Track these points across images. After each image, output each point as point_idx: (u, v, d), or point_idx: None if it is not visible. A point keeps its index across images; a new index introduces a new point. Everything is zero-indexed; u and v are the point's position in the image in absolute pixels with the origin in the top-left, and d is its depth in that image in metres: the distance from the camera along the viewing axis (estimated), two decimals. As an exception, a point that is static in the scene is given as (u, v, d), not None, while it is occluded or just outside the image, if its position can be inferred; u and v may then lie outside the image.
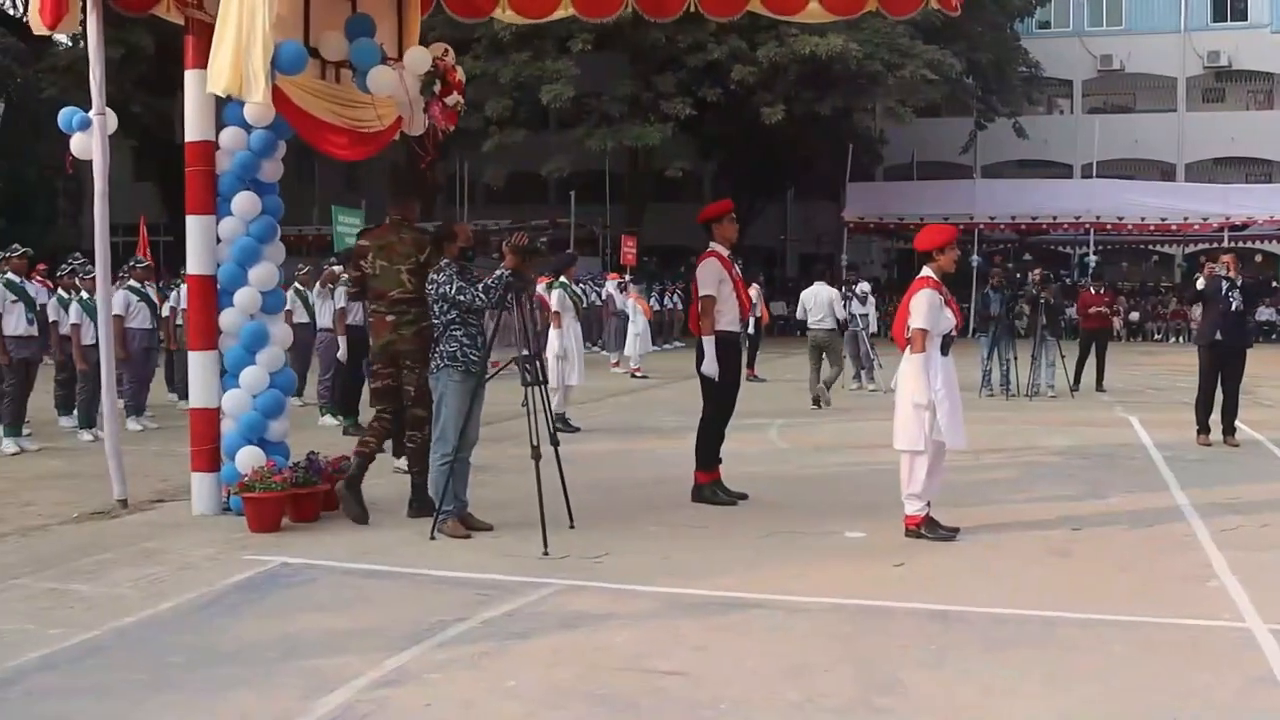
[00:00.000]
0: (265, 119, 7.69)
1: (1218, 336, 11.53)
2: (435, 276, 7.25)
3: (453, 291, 7.13)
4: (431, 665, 4.87)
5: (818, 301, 15.97)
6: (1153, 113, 44.81)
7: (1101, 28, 45.21)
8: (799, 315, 16.71)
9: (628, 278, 23.15)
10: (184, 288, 14.33)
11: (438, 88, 7.85)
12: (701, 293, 8.19)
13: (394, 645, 5.10)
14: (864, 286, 18.24)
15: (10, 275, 12.10)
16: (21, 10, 38.64)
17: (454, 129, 8.36)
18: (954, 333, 7.30)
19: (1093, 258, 35.08)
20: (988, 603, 5.87)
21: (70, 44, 41.76)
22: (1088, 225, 35.51)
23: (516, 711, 4.36)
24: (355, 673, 4.75)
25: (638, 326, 20.57)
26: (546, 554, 6.74)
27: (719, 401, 8.38)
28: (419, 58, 7.80)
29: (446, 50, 8.14)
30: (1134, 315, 36.59)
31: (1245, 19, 43.70)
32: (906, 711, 4.38)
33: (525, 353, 7.23)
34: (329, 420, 13.25)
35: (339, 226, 17.35)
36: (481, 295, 7.11)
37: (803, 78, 29.64)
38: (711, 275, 8.19)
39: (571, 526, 7.32)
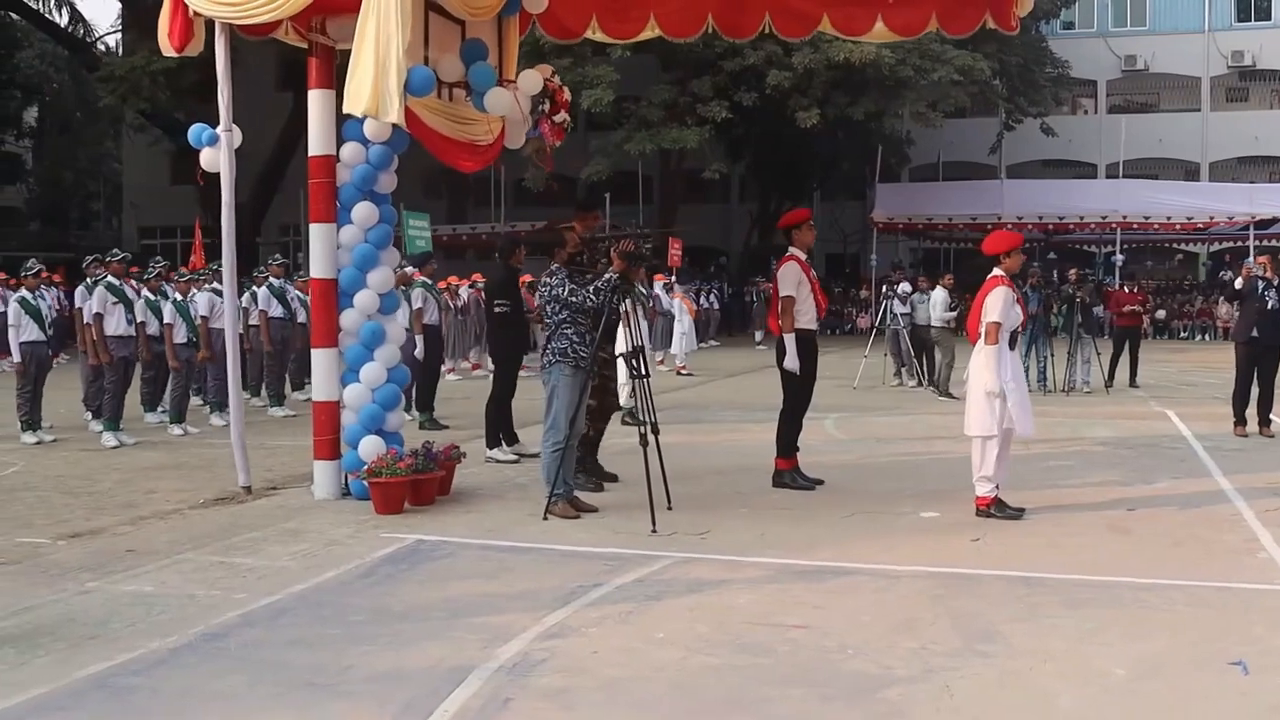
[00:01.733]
0: (383, 135, 8.42)
1: (1254, 334, 12.19)
2: (547, 280, 7.97)
3: (565, 293, 7.86)
4: (586, 621, 5.58)
5: (933, 302, 17.27)
6: (1177, 112, 45.23)
7: (1126, 28, 45.61)
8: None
9: (673, 278, 23.83)
10: (260, 291, 15.12)
11: (546, 107, 8.58)
12: (782, 293, 8.88)
13: (547, 606, 5.81)
14: (904, 287, 18.90)
15: (110, 278, 12.85)
16: (67, 20, 39.53)
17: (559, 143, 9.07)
18: (1020, 328, 8.00)
19: (1119, 256, 35.59)
20: (1062, 570, 6.56)
21: (108, 49, 42.78)
22: (1115, 224, 36.02)
23: (672, 656, 5.07)
24: (521, 628, 5.45)
25: (683, 326, 21.27)
26: (655, 531, 7.44)
27: (798, 394, 9.07)
28: (531, 79, 8.54)
29: (554, 72, 8.86)
30: (1160, 313, 37.04)
31: (1269, 18, 44.04)
32: (1008, 655, 5.08)
33: (631, 348, 7.95)
34: (403, 416, 13.93)
35: (409, 230, 18.08)
36: (592, 297, 7.82)
37: (835, 82, 30.27)
38: (791, 277, 8.89)
39: (669, 508, 8.00)
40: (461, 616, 5.71)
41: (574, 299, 7.85)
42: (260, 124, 25.72)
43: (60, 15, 39.87)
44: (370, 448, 8.49)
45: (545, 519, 7.91)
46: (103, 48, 43.43)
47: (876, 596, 6.06)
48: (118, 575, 6.60)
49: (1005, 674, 4.84)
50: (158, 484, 9.84)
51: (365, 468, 8.29)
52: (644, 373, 7.93)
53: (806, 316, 8.93)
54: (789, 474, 9.08)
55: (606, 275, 7.83)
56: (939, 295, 17.17)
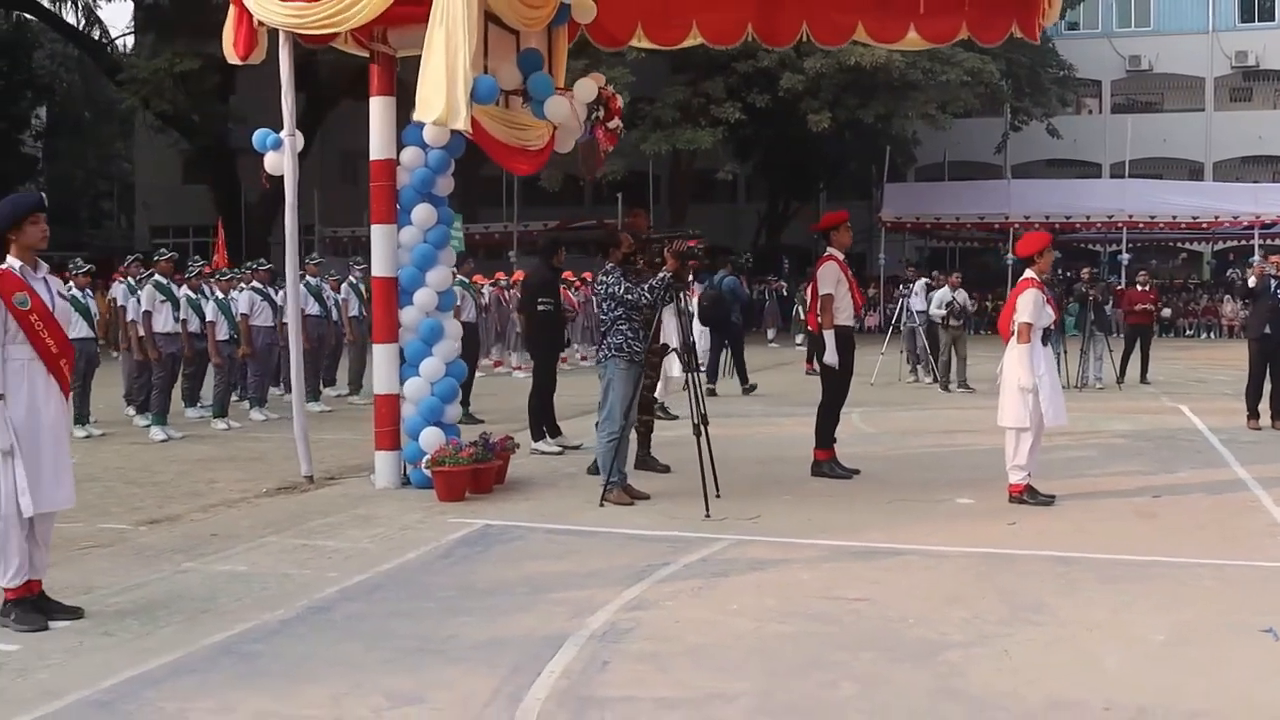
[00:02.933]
0: (442, 140, 8.86)
1: (1266, 330, 12.66)
2: (604, 278, 8.43)
3: (621, 291, 8.31)
4: (662, 596, 6.02)
5: (941, 300, 17.77)
6: (1181, 112, 45.65)
7: (1130, 29, 46.04)
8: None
9: (691, 278, 24.24)
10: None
11: (600, 113, 9.03)
12: (821, 292, 9.32)
13: (622, 582, 6.25)
14: (922, 283, 19.33)
15: (158, 277, 13.30)
16: (83, 21, 39.93)
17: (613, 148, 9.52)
18: (1052, 326, 8.46)
19: (1125, 255, 35.99)
20: (1095, 550, 7.01)
21: (115, 49, 43.17)
22: (1120, 224, 36.45)
23: (749, 625, 5.51)
24: (602, 601, 5.89)
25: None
26: (709, 516, 7.88)
27: (836, 387, 9.52)
28: (586, 88, 8.99)
29: (607, 80, 9.31)
30: (1166, 311, 37.40)
31: (1273, 19, 44.45)
32: (1055, 623, 5.53)
33: (682, 343, 8.41)
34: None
35: (439, 230, 18.49)
36: (647, 294, 8.27)
37: (846, 85, 30.72)
38: (830, 276, 9.33)
39: (718, 495, 8.43)
40: (543, 592, 6.15)
41: (629, 296, 8.30)
42: (274, 124, 26.12)
43: (75, 16, 40.26)
44: (431, 438, 8.93)
45: (601, 505, 8.35)
46: (113, 49, 43.81)
47: (927, 574, 6.51)
48: (209, 557, 7.03)
49: (1054, 640, 5.29)
50: (217, 474, 10.25)
51: (429, 457, 8.72)
52: (696, 366, 8.37)
53: (845, 314, 9.38)
54: (827, 464, 9.53)
55: (661, 274, 8.28)
56: (940, 293, 17.61)
